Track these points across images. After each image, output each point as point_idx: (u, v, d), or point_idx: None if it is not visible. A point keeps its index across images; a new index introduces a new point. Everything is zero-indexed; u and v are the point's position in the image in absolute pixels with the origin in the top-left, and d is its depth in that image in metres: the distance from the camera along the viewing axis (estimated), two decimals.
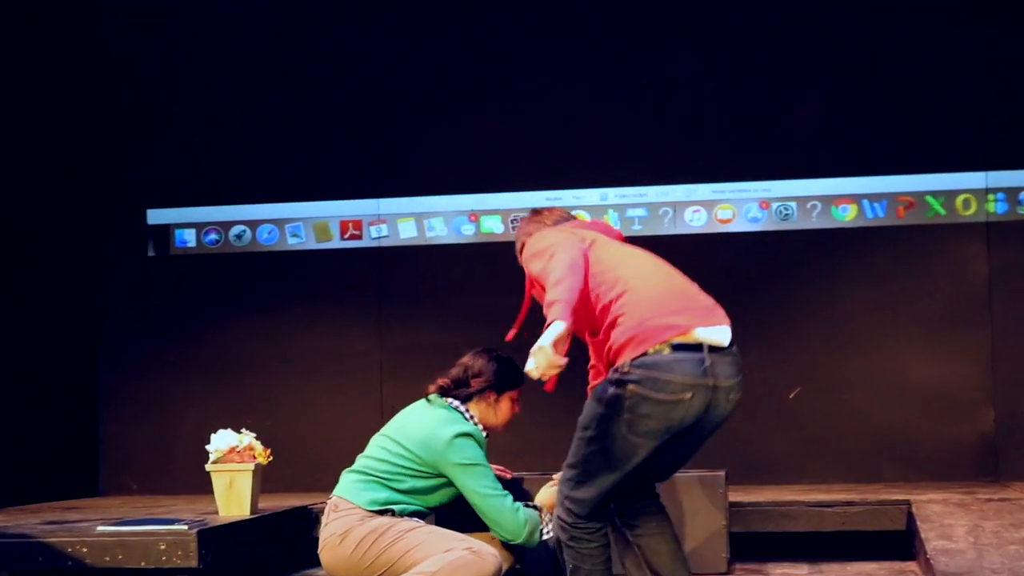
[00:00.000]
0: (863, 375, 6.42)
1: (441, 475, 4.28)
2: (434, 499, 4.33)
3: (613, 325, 3.54)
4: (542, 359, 3.31)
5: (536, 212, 4.04)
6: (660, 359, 3.44)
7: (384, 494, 4.23)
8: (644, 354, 3.45)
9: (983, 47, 6.44)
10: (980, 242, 6.39)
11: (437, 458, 4.24)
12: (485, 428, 4.40)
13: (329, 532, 4.23)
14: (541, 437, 6.61)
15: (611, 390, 3.48)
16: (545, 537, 4.25)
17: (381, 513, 4.21)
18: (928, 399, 6.36)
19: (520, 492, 4.68)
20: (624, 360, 3.47)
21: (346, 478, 4.33)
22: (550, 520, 4.22)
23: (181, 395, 6.91)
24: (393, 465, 4.26)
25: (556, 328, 3.32)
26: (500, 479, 4.53)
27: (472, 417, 4.38)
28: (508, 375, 4.44)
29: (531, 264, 3.72)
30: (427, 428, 4.29)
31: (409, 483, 4.26)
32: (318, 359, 6.83)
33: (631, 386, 3.44)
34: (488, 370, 4.41)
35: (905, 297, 6.43)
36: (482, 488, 4.21)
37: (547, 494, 4.37)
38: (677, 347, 3.45)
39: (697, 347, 3.47)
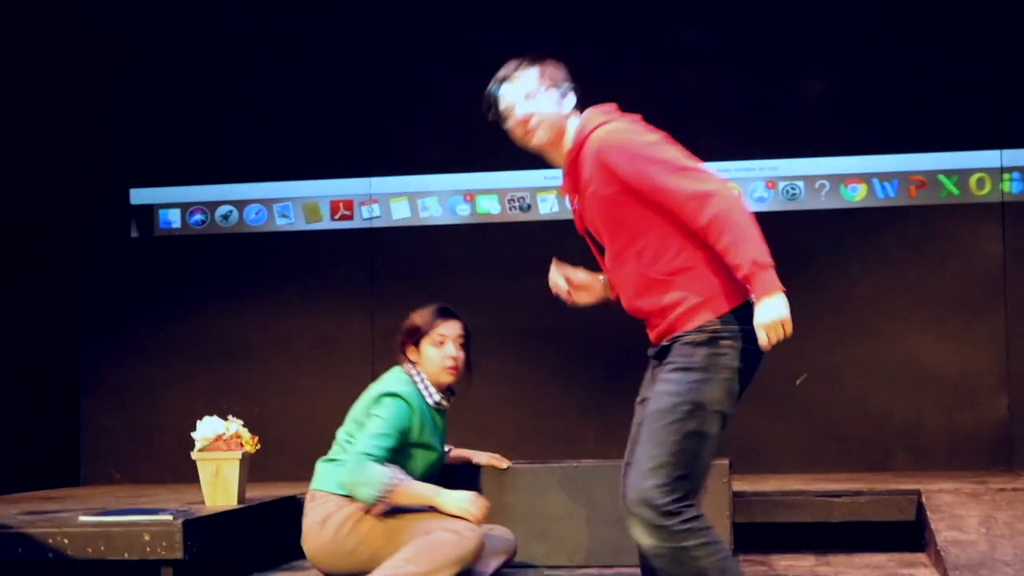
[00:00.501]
0: (872, 361, 6.38)
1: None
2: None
3: (684, 271, 3.35)
4: (781, 330, 3.18)
5: (546, 63, 3.61)
6: (746, 313, 3.31)
7: None
8: (732, 309, 3.33)
9: (999, 20, 6.38)
10: (995, 223, 6.35)
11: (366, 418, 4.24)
12: (436, 385, 4.33)
13: (310, 521, 4.23)
14: (539, 426, 6.56)
15: (702, 352, 3.31)
16: (383, 497, 4.07)
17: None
18: (940, 386, 6.34)
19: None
20: (707, 317, 3.32)
21: (318, 468, 4.33)
22: (393, 482, 4.07)
23: (165, 381, 6.87)
24: (351, 444, 4.25)
25: (782, 299, 3.18)
26: (495, 469, 4.63)
27: (422, 380, 4.32)
28: (416, 321, 4.37)
29: (645, 166, 3.33)
30: (367, 393, 4.31)
31: None
32: (308, 344, 6.80)
33: (727, 342, 3.31)
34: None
35: (916, 280, 6.40)
36: (365, 439, 4.14)
37: (455, 500, 4.15)
38: (749, 302, 3.35)
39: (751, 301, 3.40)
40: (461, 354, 4.33)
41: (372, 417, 4.19)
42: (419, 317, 4.35)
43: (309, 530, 4.21)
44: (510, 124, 3.55)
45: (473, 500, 4.13)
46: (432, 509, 4.13)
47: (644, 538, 3.28)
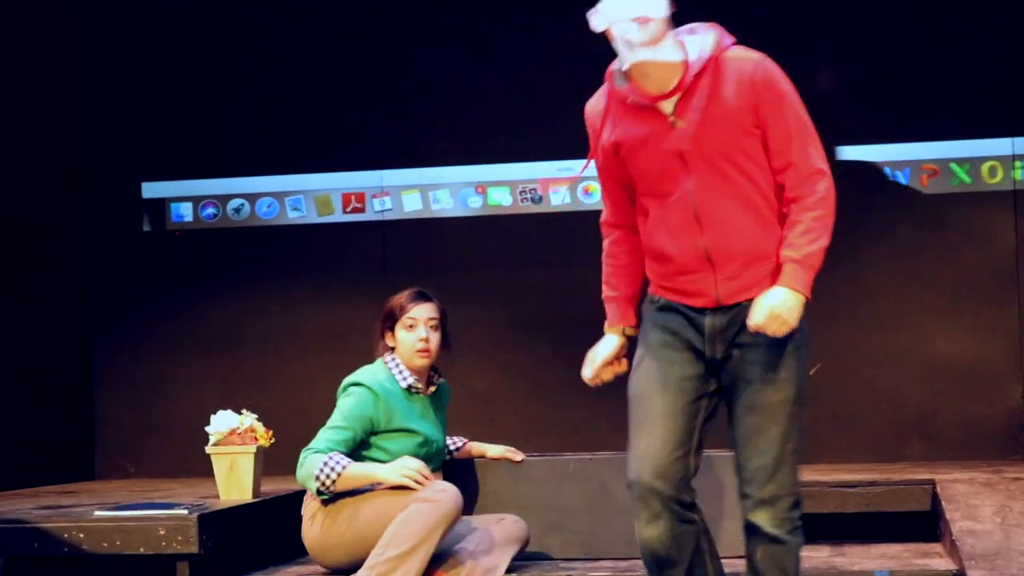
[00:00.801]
0: (885, 350, 6.33)
1: (366, 434, 4.26)
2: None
3: (779, 224, 3.18)
4: (776, 326, 3.08)
5: None
6: None
7: None
8: None
9: (1010, 6, 6.32)
10: (1007, 211, 6.28)
11: None
12: (411, 368, 4.36)
13: (304, 519, 4.34)
14: (552, 417, 6.53)
15: (803, 324, 3.19)
16: (324, 485, 4.12)
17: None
18: (953, 375, 6.29)
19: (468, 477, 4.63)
20: None
21: None
22: (333, 470, 4.11)
23: (179, 375, 6.86)
24: None
25: (802, 304, 3.12)
26: (509, 461, 4.65)
27: (397, 364, 4.35)
28: (390, 306, 4.42)
29: (789, 113, 3.21)
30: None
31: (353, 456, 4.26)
32: (321, 337, 6.77)
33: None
34: None
35: (929, 269, 6.35)
36: (319, 433, 4.22)
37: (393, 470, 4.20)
38: None
39: None
40: (434, 336, 4.35)
41: (335, 408, 4.28)
42: (393, 302, 4.40)
43: (303, 527, 4.33)
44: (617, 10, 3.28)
45: (405, 463, 4.16)
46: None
47: (771, 530, 3.20)
